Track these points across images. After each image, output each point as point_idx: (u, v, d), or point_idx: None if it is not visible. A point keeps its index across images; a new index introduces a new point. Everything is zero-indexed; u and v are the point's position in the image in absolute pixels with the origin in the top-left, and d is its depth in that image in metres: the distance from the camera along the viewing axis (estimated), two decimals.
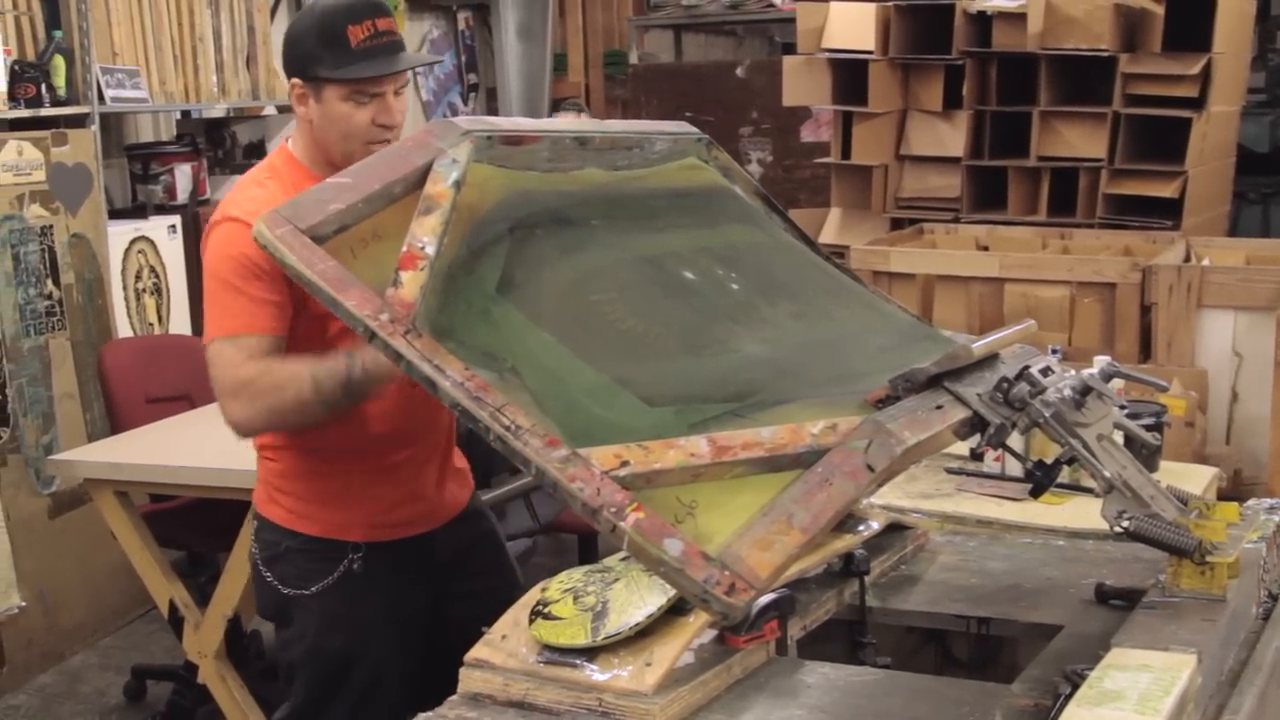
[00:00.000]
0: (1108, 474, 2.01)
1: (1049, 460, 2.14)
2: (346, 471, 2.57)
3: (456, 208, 1.97)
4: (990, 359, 2.08)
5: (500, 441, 1.68)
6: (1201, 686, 1.78)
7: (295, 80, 2.51)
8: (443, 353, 1.75)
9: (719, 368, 1.95)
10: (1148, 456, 3.33)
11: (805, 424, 1.78)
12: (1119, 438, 2.15)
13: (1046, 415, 2.00)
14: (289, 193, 2.44)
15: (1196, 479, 3.34)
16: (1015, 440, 2.19)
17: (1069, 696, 1.72)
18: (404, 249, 1.87)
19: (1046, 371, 2.08)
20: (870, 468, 1.72)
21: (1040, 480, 2.12)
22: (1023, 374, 2.01)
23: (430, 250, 1.87)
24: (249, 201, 2.46)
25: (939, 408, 1.92)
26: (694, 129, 2.64)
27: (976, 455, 3.17)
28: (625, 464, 1.65)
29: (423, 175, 2.01)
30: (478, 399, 1.70)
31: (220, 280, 2.42)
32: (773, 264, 2.37)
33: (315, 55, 2.46)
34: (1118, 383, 3.14)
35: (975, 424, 1.98)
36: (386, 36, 2.48)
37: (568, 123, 2.55)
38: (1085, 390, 2.10)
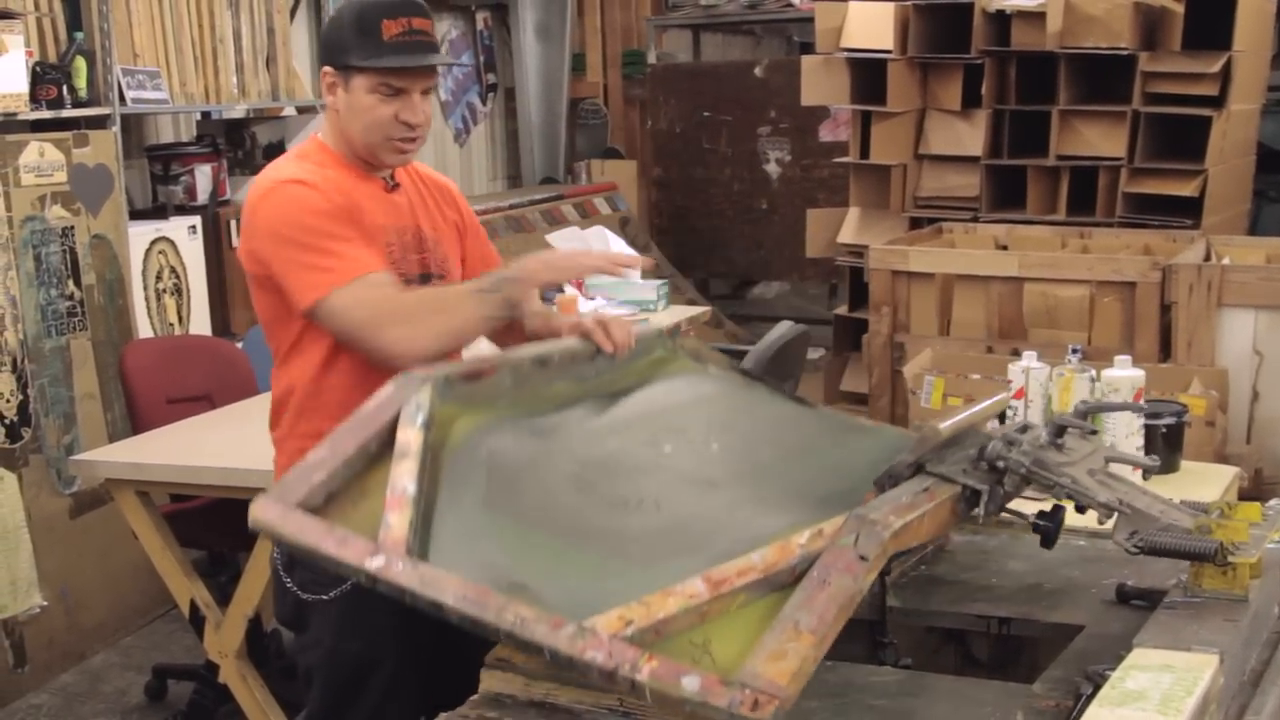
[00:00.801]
0: (1102, 500, 2.04)
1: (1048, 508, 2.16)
2: None
3: (431, 447, 2.06)
4: (973, 435, 2.11)
5: (510, 636, 1.74)
6: (1224, 687, 1.77)
7: (327, 68, 2.57)
8: (440, 575, 1.83)
9: (709, 517, 1.98)
10: (1166, 459, 3.33)
11: (792, 538, 1.82)
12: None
13: (1026, 464, 2.04)
14: (323, 172, 2.55)
15: (1217, 479, 3.32)
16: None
17: (1091, 697, 1.72)
18: (387, 495, 1.96)
19: (1025, 429, 2.14)
20: (863, 558, 1.75)
21: (1047, 530, 2.15)
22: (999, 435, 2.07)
23: (411, 489, 1.96)
24: (299, 170, 2.54)
25: (925, 490, 1.97)
26: (653, 326, 2.69)
27: None
28: (630, 623, 1.70)
29: (393, 427, 2.09)
30: (481, 605, 1.77)
31: (310, 232, 2.46)
32: (753, 420, 2.42)
33: (347, 44, 2.52)
34: (1139, 382, 3.14)
35: (968, 497, 2.01)
36: (421, 35, 2.53)
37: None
38: (1060, 430, 2.16)
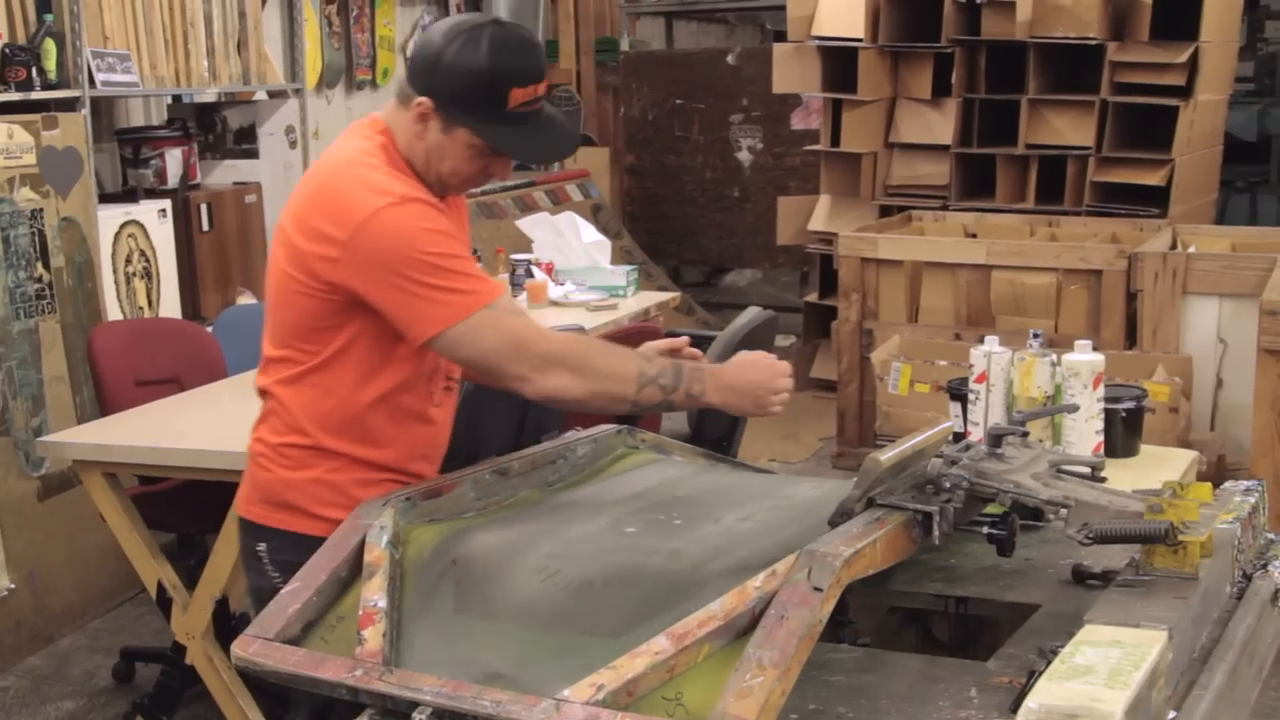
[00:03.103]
0: (1045, 498, 2.09)
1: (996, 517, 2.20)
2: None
3: (399, 563, 2.14)
4: (920, 463, 2.15)
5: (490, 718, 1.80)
6: (1172, 662, 1.80)
7: (425, 100, 2.32)
8: (417, 677, 1.89)
9: (673, 583, 2.02)
10: (1126, 443, 3.37)
11: (748, 583, 1.87)
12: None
13: (968, 477, 2.09)
14: (411, 190, 2.33)
15: (1177, 462, 3.37)
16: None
17: (1043, 672, 1.74)
18: (360, 612, 2.04)
19: (967, 448, 2.19)
20: (818, 589, 1.79)
21: (1002, 538, 2.18)
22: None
23: (383, 604, 2.04)
24: (409, 189, 2.32)
25: (876, 520, 2.01)
26: (611, 425, 2.72)
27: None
28: (601, 687, 1.75)
29: (360, 551, 2.16)
30: (457, 697, 1.82)
31: (442, 255, 2.26)
32: (715, 491, 2.47)
33: (464, 96, 2.30)
34: (1098, 367, 3.17)
35: (921, 521, 2.06)
36: (538, 103, 2.37)
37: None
38: (998, 439, 2.22)
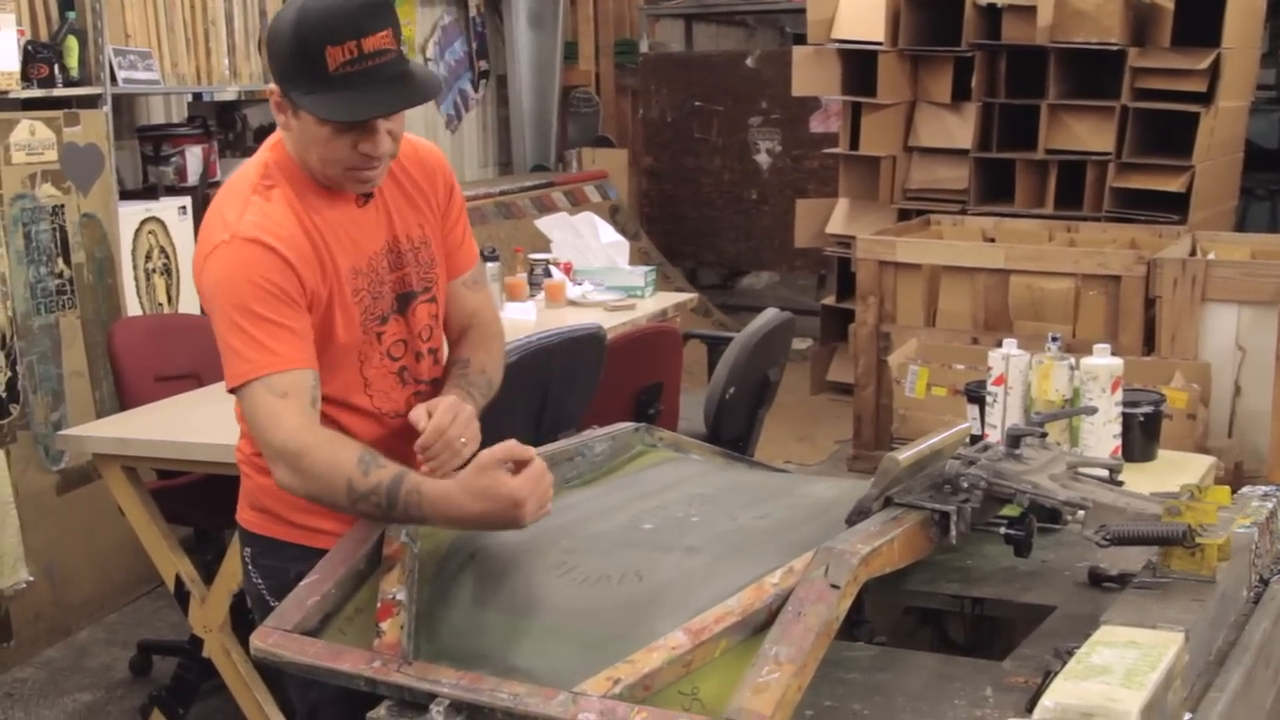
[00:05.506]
0: (1063, 499, 2.10)
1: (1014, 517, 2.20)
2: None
3: (417, 556, 2.15)
4: (938, 463, 2.16)
5: (507, 714, 1.81)
6: (1189, 664, 1.80)
7: (274, 87, 2.23)
8: (434, 669, 1.91)
9: (690, 579, 2.03)
10: (1143, 448, 3.37)
11: (765, 579, 1.88)
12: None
13: (985, 477, 2.09)
14: (293, 204, 2.26)
15: (1194, 467, 3.37)
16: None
17: (1059, 672, 1.74)
18: (378, 605, 2.06)
19: (985, 448, 2.20)
20: (835, 586, 1.80)
21: (1019, 539, 2.18)
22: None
23: (401, 597, 2.05)
24: (259, 218, 2.23)
25: (894, 519, 2.02)
26: (629, 423, 2.71)
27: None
28: (617, 681, 1.76)
29: (379, 545, 2.17)
30: (475, 689, 1.84)
31: (244, 310, 2.17)
32: (732, 490, 2.48)
33: (289, 71, 2.17)
34: (1117, 371, 3.17)
35: (939, 520, 2.06)
36: (372, 59, 2.14)
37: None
38: (1016, 440, 2.23)
